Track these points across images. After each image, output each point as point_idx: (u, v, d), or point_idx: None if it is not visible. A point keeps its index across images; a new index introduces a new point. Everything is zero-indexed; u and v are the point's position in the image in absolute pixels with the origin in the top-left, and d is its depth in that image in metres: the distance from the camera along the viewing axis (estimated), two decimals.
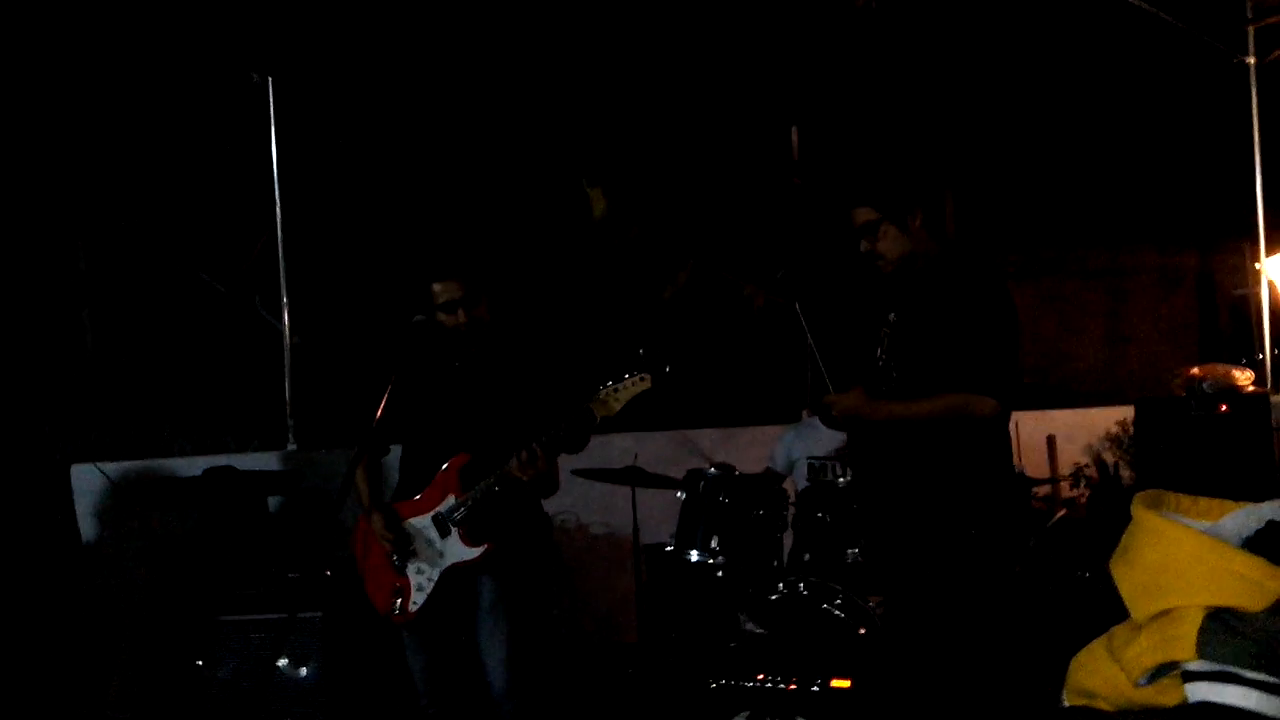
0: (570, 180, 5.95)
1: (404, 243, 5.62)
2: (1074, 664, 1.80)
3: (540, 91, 5.68)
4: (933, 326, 3.10)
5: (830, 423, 3.89)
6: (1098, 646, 1.77)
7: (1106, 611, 1.88)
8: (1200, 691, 1.68)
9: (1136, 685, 1.71)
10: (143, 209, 5.84)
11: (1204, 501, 1.86)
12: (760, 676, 3.56)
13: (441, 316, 3.41)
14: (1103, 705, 1.69)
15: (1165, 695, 1.72)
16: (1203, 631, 1.67)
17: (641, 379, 3.26)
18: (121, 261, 5.85)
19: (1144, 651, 1.70)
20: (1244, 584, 1.69)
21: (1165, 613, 1.73)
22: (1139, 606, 1.74)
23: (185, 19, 5.50)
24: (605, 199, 5.85)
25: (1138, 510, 1.77)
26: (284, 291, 5.48)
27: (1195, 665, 1.68)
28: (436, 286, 3.40)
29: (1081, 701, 1.72)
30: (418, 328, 3.48)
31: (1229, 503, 1.85)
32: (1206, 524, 1.80)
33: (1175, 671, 1.71)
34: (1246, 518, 1.80)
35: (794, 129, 6.15)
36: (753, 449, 5.23)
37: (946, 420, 3.02)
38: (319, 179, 5.71)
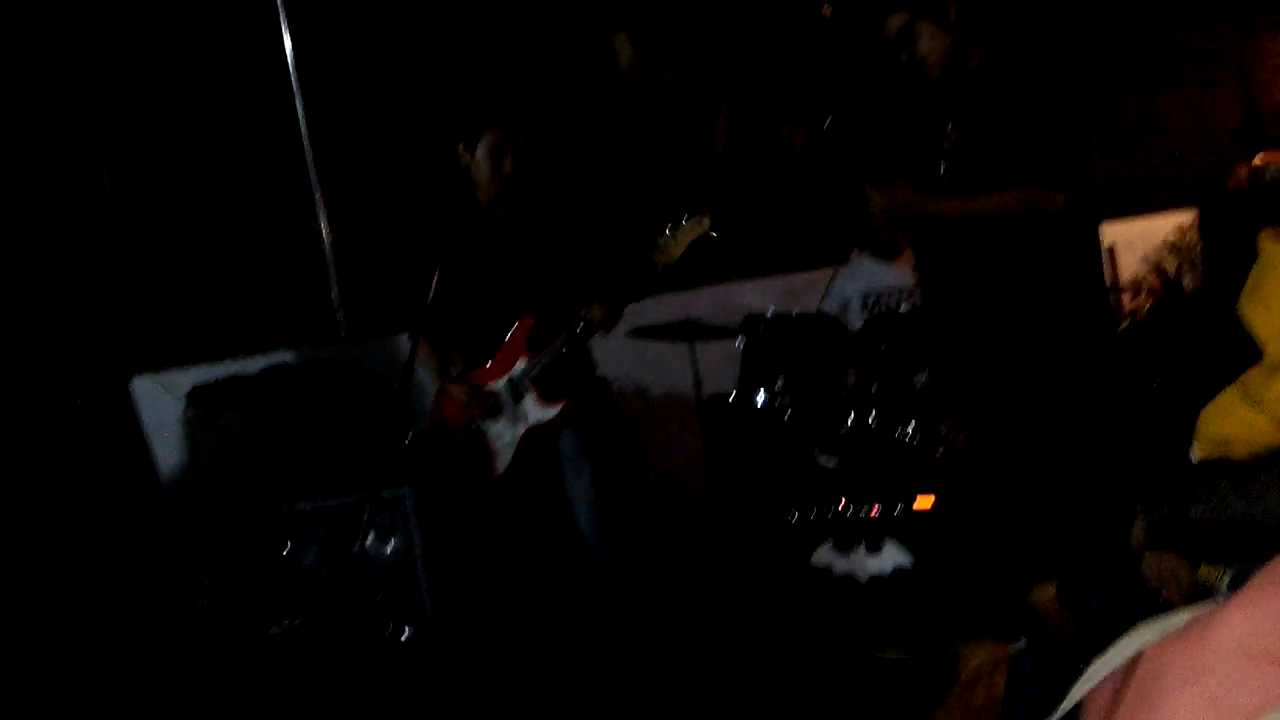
0: (595, 30, 5.72)
1: (429, 115, 5.48)
2: (1203, 416, 1.75)
3: None
4: (993, 126, 2.98)
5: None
6: (1230, 393, 1.72)
7: (1193, 404, 1.81)
8: None
9: None
10: (163, 123, 5.72)
11: None
12: (841, 505, 3.56)
13: (482, 165, 3.35)
14: (1238, 450, 1.64)
15: None
16: None
17: (699, 221, 3.20)
18: (148, 180, 5.77)
19: None
20: None
21: None
22: (1277, 344, 1.68)
23: None
24: (631, 46, 5.63)
25: (1269, 246, 1.68)
26: (315, 188, 5.43)
27: None
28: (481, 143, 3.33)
29: (1216, 451, 1.67)
30: (458, 195, 3.42)
31: None
32: None
33: None
34: None
35: None
36: (805, 293, 5.16)
37: (1014, 218, 2.92)
38: (335, 64, 5.55)
